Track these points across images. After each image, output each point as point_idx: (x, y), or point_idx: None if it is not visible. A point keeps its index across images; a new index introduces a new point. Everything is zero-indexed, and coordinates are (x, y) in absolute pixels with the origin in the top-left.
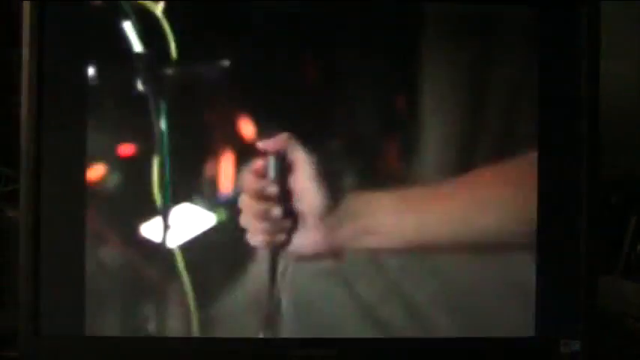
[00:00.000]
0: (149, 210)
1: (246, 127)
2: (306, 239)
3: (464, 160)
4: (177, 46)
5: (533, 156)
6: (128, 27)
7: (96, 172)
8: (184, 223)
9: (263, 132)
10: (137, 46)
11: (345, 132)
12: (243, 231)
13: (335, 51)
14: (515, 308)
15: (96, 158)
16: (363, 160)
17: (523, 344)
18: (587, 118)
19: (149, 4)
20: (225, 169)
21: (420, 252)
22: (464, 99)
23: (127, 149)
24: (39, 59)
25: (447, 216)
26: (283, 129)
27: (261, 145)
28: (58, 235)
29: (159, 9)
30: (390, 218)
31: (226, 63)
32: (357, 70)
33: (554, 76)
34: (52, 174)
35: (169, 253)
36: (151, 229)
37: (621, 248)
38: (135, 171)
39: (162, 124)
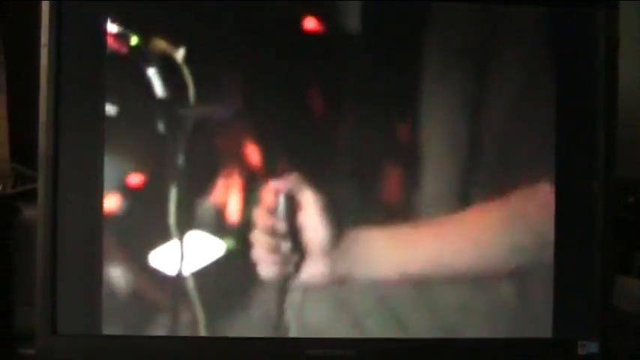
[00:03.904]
0: (165, 223)
1: (259, 165)
2: (312, 271)
3: (471, 192)
4: (195, 88)
5: (550, 158)
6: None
7: (114, 170)
8: (198, 253)
9: (274, 170)
10: (157, 87)
11: (350, 172)
12: (254, 264)
13: (345, 95)
14: (532, 310)
15: (114, 157)
16: (366, 197)
17: (540, 346)
18: (604, 119)
19: (170, 49)
20: (238, 204)
21: (427, 277)
22: (472, 130)
23: (143, 140)
24: (57, 60)
25: (454, 247)
26: (293, 168)
27: (272, 185)
28: (75, 234)
29: (179, 55)
30: (393, 252)
31: (241, 104)
32: (363, 114)
33: (570, 77)
34: (70, 173)
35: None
36: (165, 250)
37: (637, 249)
38: (152, 172)
39: (180, 160)
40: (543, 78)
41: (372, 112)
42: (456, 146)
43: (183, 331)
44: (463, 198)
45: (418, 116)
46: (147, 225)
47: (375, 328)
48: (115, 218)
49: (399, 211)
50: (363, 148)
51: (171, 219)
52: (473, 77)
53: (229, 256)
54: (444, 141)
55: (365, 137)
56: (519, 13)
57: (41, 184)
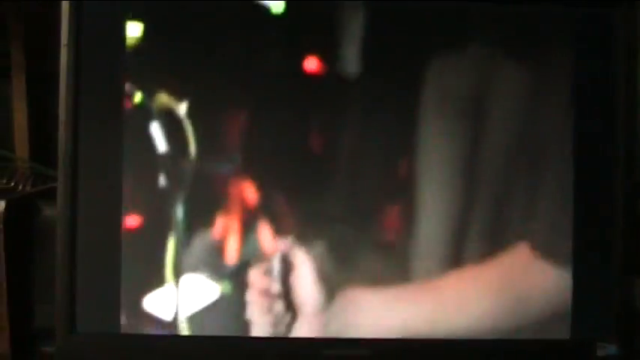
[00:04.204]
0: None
1: (255, 218)
2: (303, 330)
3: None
4: (197, 143)
5: (568, 153)
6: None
7: (132, 170)
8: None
9: (272, 230)
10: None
11: (345, 233)
12: (248, 322)
13: (340, 154)
14: (551, 311)
15: (133, 155)
16: (356, 261)
17: (558, 347)
18: (623, 119)
19: (173, 103)
20: (235, 257)
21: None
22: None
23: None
24: (77, 60)
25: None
26: (290, 229)
27: (267, 247)
28: (94, 233)
29: (182, 109)
30: (381, 313)
31: (240, 157)
32: (361, 173)
33: (588, 78)
34: (89, 172)
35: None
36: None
37: None
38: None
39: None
40: (560, 79)
41: (369, 170)
42: (458, 198)
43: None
44: (461, 253)
45: (419, 168)
46: (165, 222)
47: None
48: (133, 220)
49: (396, 271)
50: (358, 211)
51: (175, 252)
52: (477, 116)
53: (222, 306)
54: (446, 194)
55: (362, 199)
56: (536, 16)
57: (60, 183)
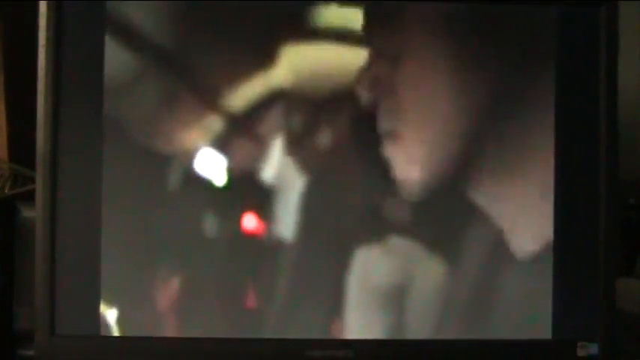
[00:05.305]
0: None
1: None
2: None
3: None
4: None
5: (550, 157)
6: None
7: (112, 171)
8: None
9: None
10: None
11: None
12: None
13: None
14: (531, 310)
15: (113, 157)
16: None
17: (539, 347)
18: (606, 119)
19: None
20: None
21: None
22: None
23: None
24: (55, 60)
25: None
26: None
27: None
28: (74, 235)
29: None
30: None
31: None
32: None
33: (570, 76)
34: (69, 173)
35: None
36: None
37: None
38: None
39: None
40: (542, 78)
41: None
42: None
43: (182, 332)
44: None
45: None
46: (147, 225)
47: None
48: (114, 218)
49: None
50: None
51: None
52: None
53: None
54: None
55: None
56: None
57: (39, 185)
